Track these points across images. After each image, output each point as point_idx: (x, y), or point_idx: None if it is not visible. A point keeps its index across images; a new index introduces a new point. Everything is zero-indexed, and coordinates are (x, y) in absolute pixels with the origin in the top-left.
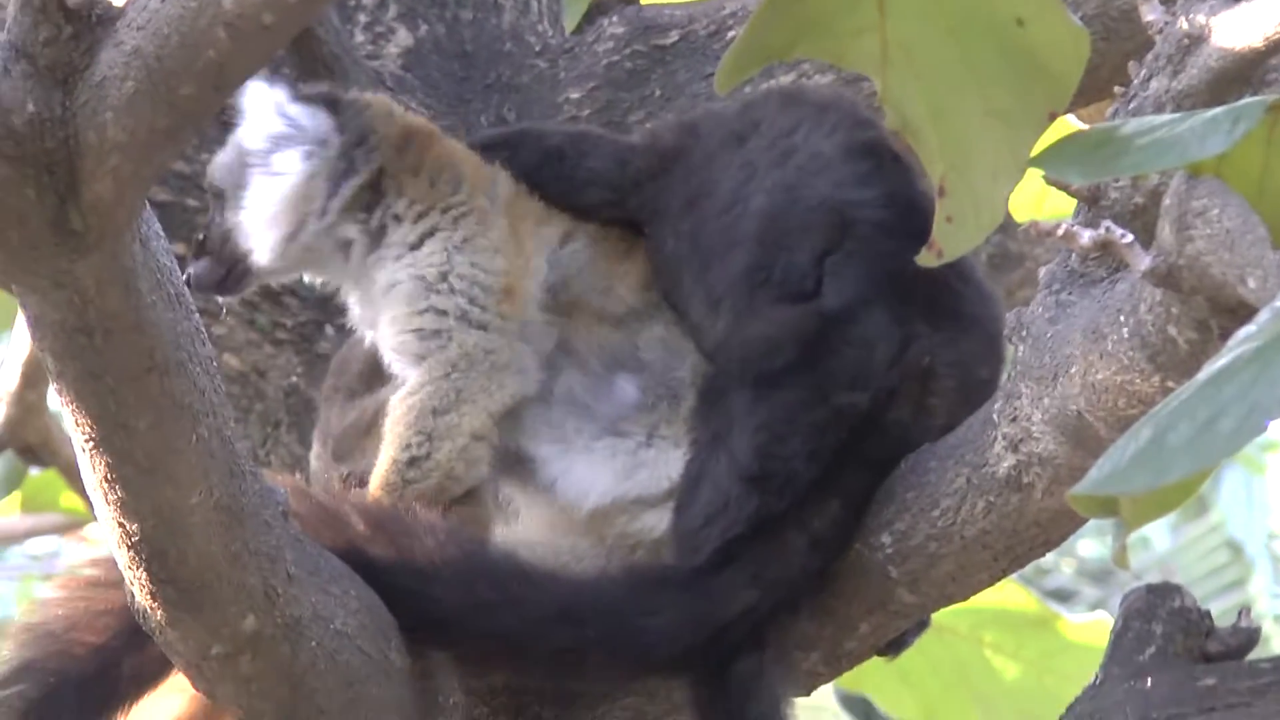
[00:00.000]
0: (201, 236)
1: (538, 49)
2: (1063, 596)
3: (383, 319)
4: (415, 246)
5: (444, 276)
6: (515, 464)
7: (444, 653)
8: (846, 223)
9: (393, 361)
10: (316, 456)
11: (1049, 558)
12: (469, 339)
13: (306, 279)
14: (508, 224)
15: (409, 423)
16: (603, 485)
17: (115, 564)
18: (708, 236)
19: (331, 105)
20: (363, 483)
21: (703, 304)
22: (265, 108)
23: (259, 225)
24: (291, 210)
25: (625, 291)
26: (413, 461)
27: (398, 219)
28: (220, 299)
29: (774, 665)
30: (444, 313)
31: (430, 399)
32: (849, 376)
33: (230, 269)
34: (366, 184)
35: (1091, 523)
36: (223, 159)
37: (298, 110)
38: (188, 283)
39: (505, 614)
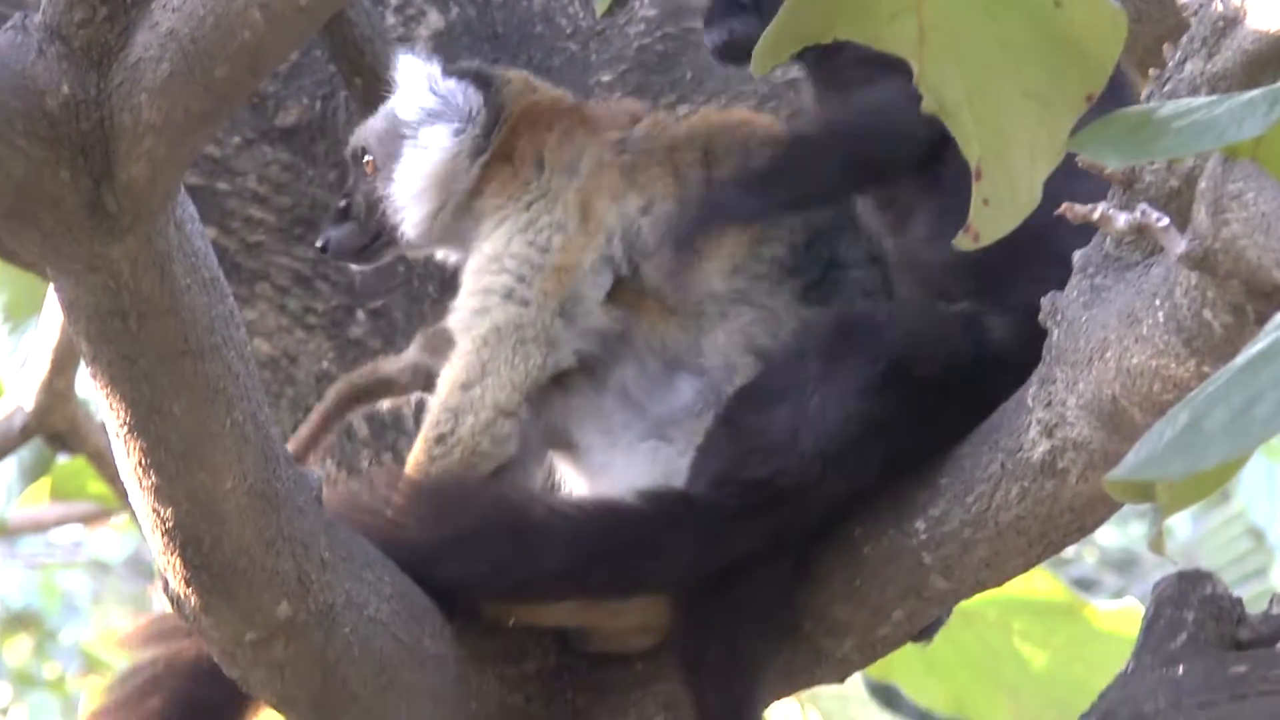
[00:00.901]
0: (344, 203)
1: (569, 31)
2: (1085, 585)
3: None
4: (489, 236)
5: (499, 257)
6: (564, 446)
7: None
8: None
9: (445, 341)
10: (413, 346)
11: (1071, 547)
12: (502, 314)
13: (439, 256)
14: (580, 200)
15: (440, 399)
16: (641, 487)
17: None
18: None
19: (482, 82)
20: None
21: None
22: (419, 80)
23: (408, 199)
24: (439, 186)
25: (710, 272)
26: (440, 439)
27: (480, 214)
28: (356, 267)
29: (754, 629)
30: (491, 291)
31: (460, 374)
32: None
33: (375, 238)
34: (487, 163)
35: (1115, 512)
36: (374, 126)
37: (451, 85)
38: (324, 249)
39: (515, 569)
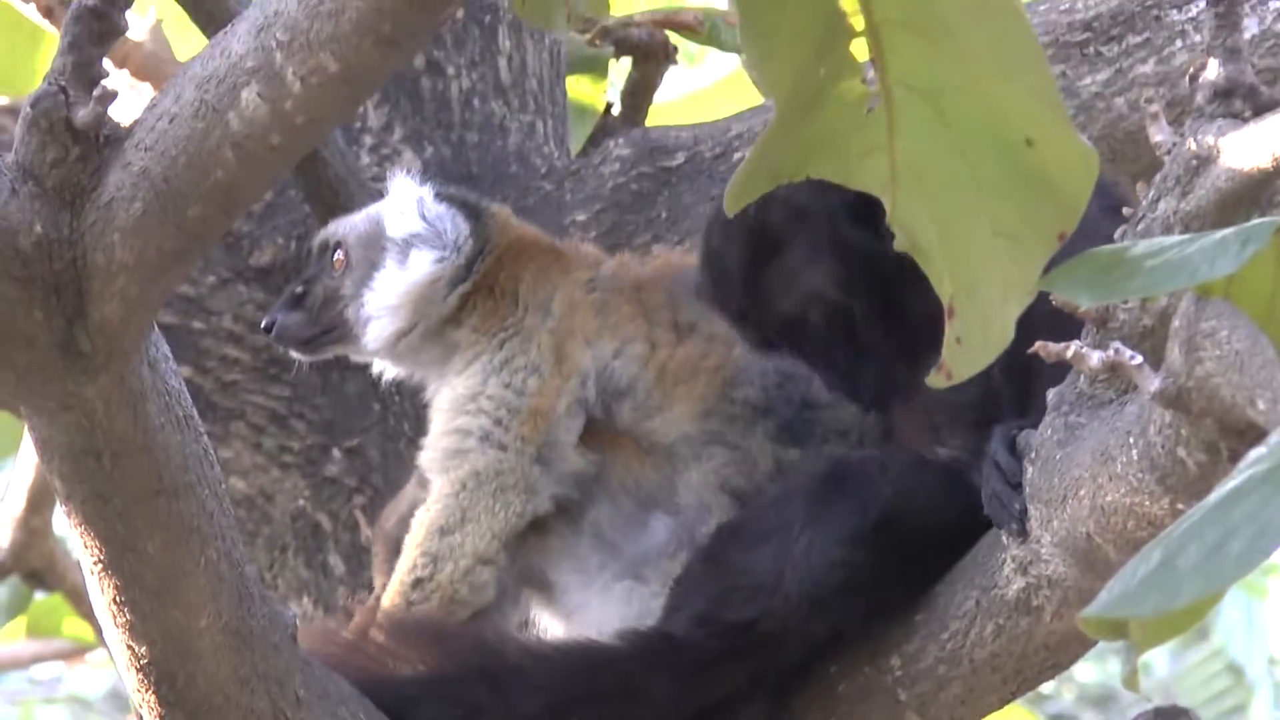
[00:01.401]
0: (300, 289)
1: (544, 171)
2: None
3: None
4: (461, 371)
5: (475, 397)
6: (540, 586)
7: None
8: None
9: (424, 478)
10: (375, 554)
11: (1050, 683)
12: (482, 459)
13: (392, 374)
14: (554, 341)
15: (417, 542)
16: (616, 628)
17: None
18: None
19: (471, 212)
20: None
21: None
22: (410, 202)
23: (382, 312)
24: (414, 308)
25: (680, 415)
26: (417, 583)
27: (455, 344)
28: (297, 355)
29: None
30: (469, 433)
31: (438, 518)
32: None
33: (325, 331)
34: (468, 294)
35: (1092, 649)
36: (356, 226)
37: (440, 210)
38: (268, 329)
39: (493, 712)
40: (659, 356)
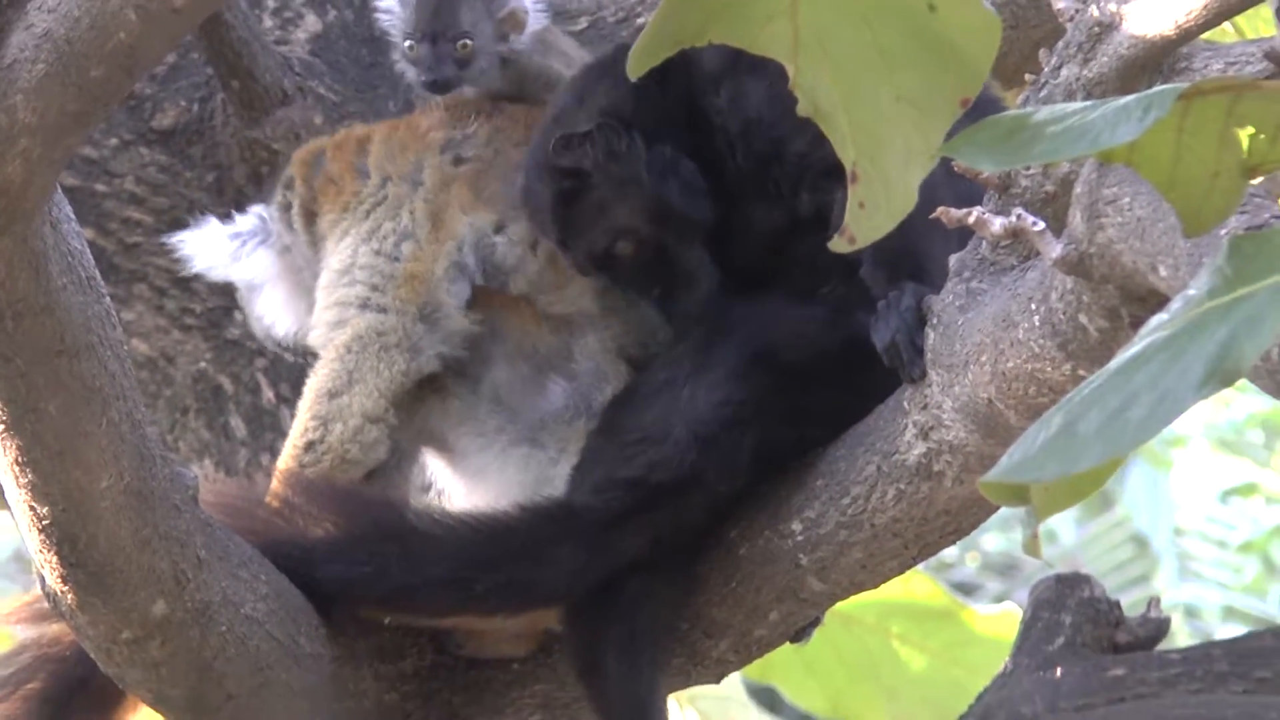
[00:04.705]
0: None
1: None
2: (967, 590)
3: None
4: (333, 250)
5: (348, 269)
6: (440, 447)
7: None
8: None
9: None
10: None
11: (953, 551)
12: (363, 322)
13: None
14: (429, 209)
15: (306, 407)
16: (513, 495)
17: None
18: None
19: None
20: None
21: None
22: (215, 246)
23: (275, 313)
24: (290, 276)
25: (577, 292)
26: (309, 446)
27: (322, 236)
28: None
29: (646, 631)
30: (347, 303)
31: (325, 381)
32: (827, 389)
33: None
34: (304, 228)
35: (996, 516)
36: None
37: (234, 228)
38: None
39: (399, 574)
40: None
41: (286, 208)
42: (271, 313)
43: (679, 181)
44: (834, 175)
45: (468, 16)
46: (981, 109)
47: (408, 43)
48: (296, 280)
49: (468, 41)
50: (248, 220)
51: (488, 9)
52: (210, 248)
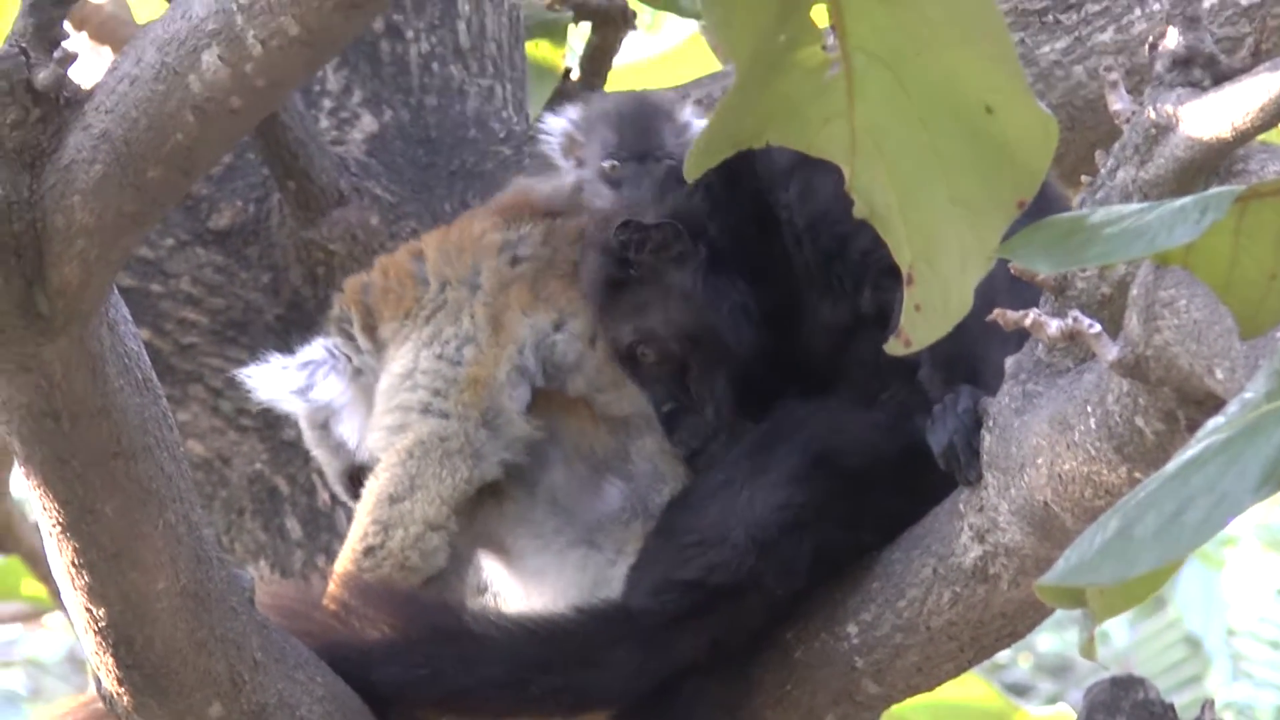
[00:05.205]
0: None
1: (502, 135)
2: (1020, 691)
3: None
4: (394, 356)
5: (410, 374)
6: (497, 550)
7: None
8: None
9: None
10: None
11: (1006, 652)
12: (425, 427)
13: None
14: (489, 313)
15: (367, 511)
16: (570, 597)
17: None
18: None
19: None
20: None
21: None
22: (285, 376)
23: (357, 435)
24: (366, 409)
25: (635, 392)
26: (369, 551)
27: (385, 343)
28: None
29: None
30: (409, 408)
31: (387, 486)
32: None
33: None
34: (367, 341)
35: (1049, 617)
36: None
37: (297, 360)
38: None
39: (455, 676)
40: None
41: (347, 331)
42: (354, 436)
43: (729, 304)
44: (896, 274)
45: (671, 139)
46: (1045, 206)
47: (608, 163)
48: (373, 401)
49: (670, 162)
50: (315, 349)
51: (676, 132)
52: (280, 378)
